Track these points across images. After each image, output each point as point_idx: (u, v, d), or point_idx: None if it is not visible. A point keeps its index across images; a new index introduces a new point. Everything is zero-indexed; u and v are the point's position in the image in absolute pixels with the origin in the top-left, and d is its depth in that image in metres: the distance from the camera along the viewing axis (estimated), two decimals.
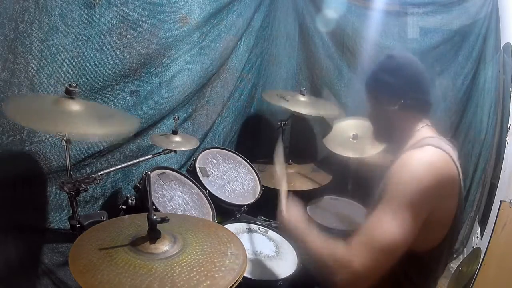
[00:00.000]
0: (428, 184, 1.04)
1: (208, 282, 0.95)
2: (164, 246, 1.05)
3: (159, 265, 0.99)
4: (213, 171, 2.12)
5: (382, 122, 1.33)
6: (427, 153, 1.10)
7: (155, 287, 0.91)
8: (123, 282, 0.91)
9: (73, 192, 1.36)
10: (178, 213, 1.71)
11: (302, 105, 2.40)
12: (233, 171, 2.21)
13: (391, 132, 1.30)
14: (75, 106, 1.28)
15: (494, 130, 2.59)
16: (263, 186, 2.20)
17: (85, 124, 1.24)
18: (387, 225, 1.01)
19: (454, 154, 1.15)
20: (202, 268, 1.00)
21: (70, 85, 1.29)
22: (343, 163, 2.42)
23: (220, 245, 1.14)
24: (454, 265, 2.62)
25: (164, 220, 1.07)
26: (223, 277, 0.97)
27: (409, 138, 1.23)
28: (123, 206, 1.67)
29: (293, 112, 2.46)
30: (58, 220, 1.68)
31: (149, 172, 1.12)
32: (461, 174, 1.13)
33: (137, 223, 1.20)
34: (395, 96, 1.24)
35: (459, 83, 2.69)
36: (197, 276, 0.96)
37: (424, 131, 1.23)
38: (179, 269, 0.98)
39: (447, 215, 1.12)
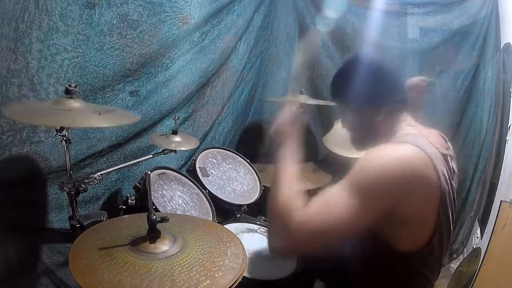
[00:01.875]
0: (389, 173, 1.01)
1: (208, 281, 0.95)
2: (164, 246, 1.05)
3: (159, 264, 0.99)
4: (213, 171, 2.12)
5: (365, 130, 1.26)
6: (396, 148, 1.09)
7: (155, 287, 0.91)
8: (123, 281, 0.91)
9: (73, 192, 1.36)
10: (178, 213, 1.71)
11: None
12: (233, 171, 2.21)
13: (375, 138, 1.22)
14: (75, 104, 1.28)
15: (494, 130, 2.59)
16: (263, 186, 2.20)
17: (86, 118, 1.25)
18: (340, 202, 1.01)
19: (433, 150, 1.09)
20: (202, 268, 1.00)
21: (70, 85, 1.29)
22: (343, 163, 2.42)
23: (220, 244, 1.14)
24: (454, 265, 2.62)
25: (164, 219, 1.07)
26: (223, 277, 0.97)
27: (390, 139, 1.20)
28: (123, 206, 1.67)
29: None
30: (58, 220, 1.68)
31: (149, 172, 1.12)
32: (442, 172, 1.07)
33: (137, 223, 1.20)
34: (379, 102, 1.19)
35: (459, 83, 2.69)
36: (197, 276, 0.96)
37: (405, 129, 1.20)
38: (179, 268, 0.98)
39: (421, 212, 1.07)
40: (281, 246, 1.06)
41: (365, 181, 1.02)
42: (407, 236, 1.10)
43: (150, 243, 1.05)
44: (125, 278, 0.92)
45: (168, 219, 1.08)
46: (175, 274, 0.96)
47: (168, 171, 1.91)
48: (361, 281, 1.27)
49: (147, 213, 1.07)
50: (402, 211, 1.05)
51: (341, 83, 1.27)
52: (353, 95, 1.21)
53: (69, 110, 1.24)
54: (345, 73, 1.27)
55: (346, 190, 1.02)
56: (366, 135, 1.27)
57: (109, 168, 1.60)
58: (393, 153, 1.06)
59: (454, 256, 2.79)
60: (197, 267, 1.00)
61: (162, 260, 1.01)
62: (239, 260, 1.06)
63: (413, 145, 1.07)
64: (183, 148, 1.83)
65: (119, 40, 1.75)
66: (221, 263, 1.03)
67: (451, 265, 2.65)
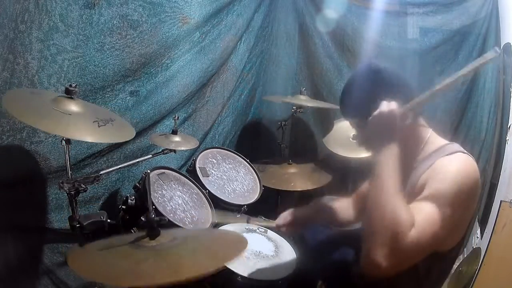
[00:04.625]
0: (470, 186, 1.06)
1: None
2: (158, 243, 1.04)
3: (148, 252, 0.98)
4: (213, 171, 2.12)
5: None
6: (463, 160, 1.11)
7: (141, 268, 0.90)
8: (109, 261, 0.92)
9: (73, 192, 1.36)
10: (178, 213, 1.71)
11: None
12: (233, 171, 2.21)
13: (405, 148, 1.18)
14: (74, 107, 1.28)
15: (494, 130, 2.58)
16: (263, 186, 2.20)
17: (83, 129, 1.24)
18: (437, 218, 1.03)
19: None
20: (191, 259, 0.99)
21: (70, 85, 1.29)
22: (343, 163, 2.42)
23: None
24: (454, 265, 2.61)
25: (162, 219, 1.06)
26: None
27: (423, 147, 1.20)
28: (122, 206, 1.67)
29: (295, 111, 2.47)
30: (58, 220, 1.68)
31: (149, 171, 1.11)
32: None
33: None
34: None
35: (459, 83, 2.69)
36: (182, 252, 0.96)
37: (434, 136, 1.22)
38: (169, 251, 0.98)
39: (471, 216, 1.14)
40: (388, 262, 1.00)
41: (453, 192, 1.04)
42: (452, 238, 1.13)
43: (150, 239, 1.05)
44: (112, 258, 0.93)
45: (166, 219, 1.08)
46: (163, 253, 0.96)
47: (168, 171, 1.91)
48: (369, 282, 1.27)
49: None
50: (465, 217, 1.12)
51: (358, 99, 1.22)
52: (375, 108, 1.14)
53: (69, 114, 1.23)
54: (360, 88, 1.23)
55: (438, 206, 1.04)
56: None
57: (109, 168, 1.60)
58: (462, 164, 1.10)
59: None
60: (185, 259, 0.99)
61: (152, 251, 1.00)
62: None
63: (464, 153, 1.13)
64: (182, 148, 1.83)
65: (119, 40, 1.75)
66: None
67: None
